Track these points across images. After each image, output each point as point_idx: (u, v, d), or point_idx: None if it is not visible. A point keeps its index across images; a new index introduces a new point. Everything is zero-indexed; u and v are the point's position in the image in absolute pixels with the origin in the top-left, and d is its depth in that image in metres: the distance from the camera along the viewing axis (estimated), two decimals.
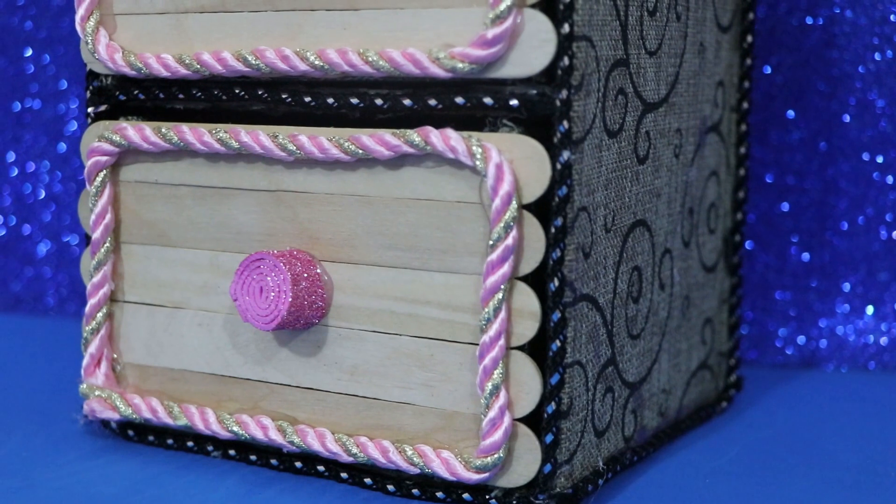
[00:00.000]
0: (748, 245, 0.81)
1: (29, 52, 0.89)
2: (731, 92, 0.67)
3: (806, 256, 0.81)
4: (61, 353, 0.77)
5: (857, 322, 0.80)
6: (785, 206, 0.81)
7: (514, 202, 0.48)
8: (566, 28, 0.48)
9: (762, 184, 0.81)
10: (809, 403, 0.71)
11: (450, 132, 0.49)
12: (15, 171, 0.90)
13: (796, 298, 0.81)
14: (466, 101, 0.49)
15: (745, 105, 0.68)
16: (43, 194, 0.90)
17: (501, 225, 0.48)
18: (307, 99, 0.53)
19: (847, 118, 0.79)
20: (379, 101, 0.51)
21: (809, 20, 0.79)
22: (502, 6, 0.47)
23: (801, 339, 0.80)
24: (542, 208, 0.48)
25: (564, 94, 0.48)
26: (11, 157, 0.90)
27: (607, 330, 0.53)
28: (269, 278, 0.52)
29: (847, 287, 0.80)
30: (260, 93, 0.54)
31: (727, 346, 0.69)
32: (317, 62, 0.51)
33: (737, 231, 0.69)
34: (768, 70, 0.80)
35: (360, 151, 0.51)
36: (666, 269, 0.60)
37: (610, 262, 0.53)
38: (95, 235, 0.58)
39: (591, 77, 0.50)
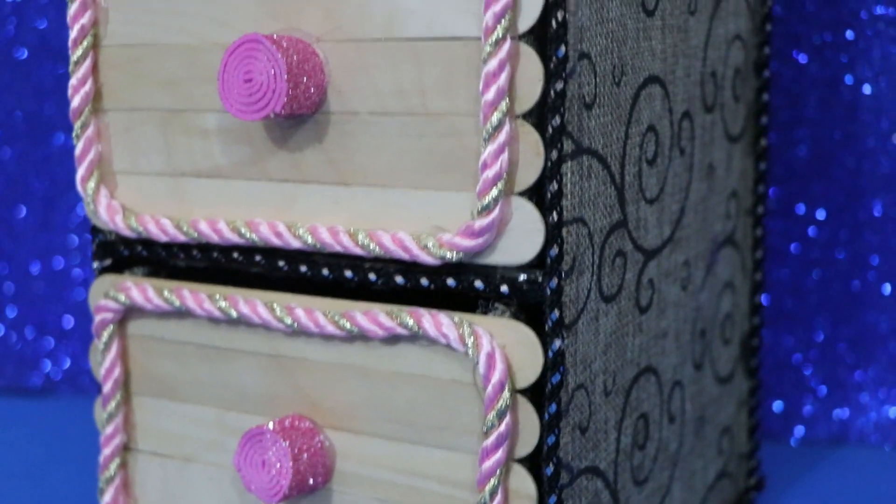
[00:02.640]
0: (772, 318, 0.80)
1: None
2: (746, 196, 0.66)
3: (834, 330, 0.79)
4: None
5: (890, 395, 0.79)
6: (811, 280, 0.79)
7: (506, 391, 0.48)
8: (554, 217, 0.47)
9: (788, 257, 0.79)
10: (838, 492, 0.70)
11: (442, 318, 0.49)
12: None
13: (825, 373, 0.80)
14: (458, 283, 0.49)
15: (761, 209, 0.67)
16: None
17: (494, 412, 0.48)
18: (303, 268, 0.53)
19: (873, 190, 0.77)
20: (372, 276, 0.51)
21: (833, 93, 0.77)
22: (487, 199, 0.46)
23: (830, 416, 0.80)
24: (537, 393, 0.48)
25: (555, 282, 0.47)
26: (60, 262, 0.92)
27: (610, 490, 0.53)
28: (270, 453, 0.52)
29: (879, 361, 0.79)
30: (257, 259, 0.54)
31: (747, 448, 0.69)
32: (309, 240, 0.51)
33: (754, 334, 0.68)
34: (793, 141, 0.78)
35: (355, 329, 0.51)
36: (676, 402, 0.59)
37: (611, 424, 0.53)
38: (106, 389, 0.58)
39: (585, 254, 0.49)
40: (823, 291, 0.79)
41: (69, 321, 0.92)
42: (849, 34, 0.75)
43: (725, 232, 0.63)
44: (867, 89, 0.75)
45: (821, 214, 0.78)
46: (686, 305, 0.59)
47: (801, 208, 0.78)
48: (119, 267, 0.59)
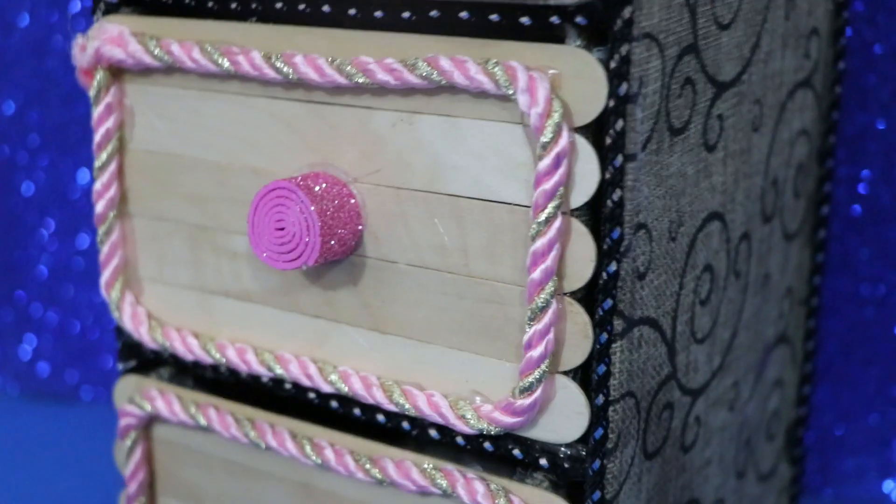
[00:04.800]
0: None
1: None
2: (801, 287, 0.63)
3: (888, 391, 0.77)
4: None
5: None
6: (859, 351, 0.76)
7: None
8: (601, 399, 0.44)
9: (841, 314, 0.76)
10: None
11: (477, 485, 0.46)
12: None
13: (867, 437, 0.78)
14: (495, 448, 0.47)
15: (815, 301, 0.64)
16: None
17: None
18: (334, 404, 0.51)
19: None
20: (406, 425, 0.49)
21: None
22: (530, 379, 0.44)
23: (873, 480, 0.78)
24: None
25: (598, 463, 0.45)
26: None
27: None
28: None
29: None
30: (286, 386, 0.52)
31: None
32: (341, 388, 0.49)
33: (800, 424, 0.65)
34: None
35: (386, 481, 0.49)
36: None
37: None
38: (131, 490, 0.57)
39: (630, 425, 0.47)
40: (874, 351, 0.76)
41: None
42: None
43: (777, 332, 0.60)
44: None
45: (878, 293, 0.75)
46: (732, 424, 0.57)
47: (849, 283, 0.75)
48: (144, 369, 0.57)
